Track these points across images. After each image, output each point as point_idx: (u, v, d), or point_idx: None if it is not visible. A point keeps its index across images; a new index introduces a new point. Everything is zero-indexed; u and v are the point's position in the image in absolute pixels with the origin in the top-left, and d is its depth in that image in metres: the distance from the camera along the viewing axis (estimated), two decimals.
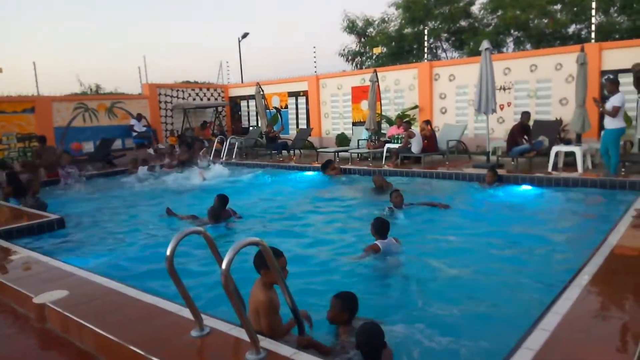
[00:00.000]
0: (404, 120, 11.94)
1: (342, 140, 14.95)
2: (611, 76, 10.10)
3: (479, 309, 3.56)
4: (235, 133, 17.25)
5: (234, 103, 18.89)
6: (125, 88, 31.14)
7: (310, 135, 14.90)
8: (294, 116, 17.03)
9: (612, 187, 7.24)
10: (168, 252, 2.62)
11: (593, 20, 11.41)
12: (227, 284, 2.32)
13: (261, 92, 15.38)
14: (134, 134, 15.51)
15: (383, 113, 13.85)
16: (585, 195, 7.13)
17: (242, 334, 2.71)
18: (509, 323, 3.25)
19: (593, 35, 11.16)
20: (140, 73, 16.92)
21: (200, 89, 18.32)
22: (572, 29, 14.78)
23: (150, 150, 14.41)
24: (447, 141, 11.01)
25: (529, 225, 5.72)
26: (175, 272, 2.65)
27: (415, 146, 10.78)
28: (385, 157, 11.67)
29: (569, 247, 4.85)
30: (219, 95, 18.75)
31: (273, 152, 14.00)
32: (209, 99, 18.42)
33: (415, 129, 11.66)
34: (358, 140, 13.20)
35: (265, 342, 2.61)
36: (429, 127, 11.16)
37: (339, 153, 12.90)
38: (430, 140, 10.99)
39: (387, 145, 11.71)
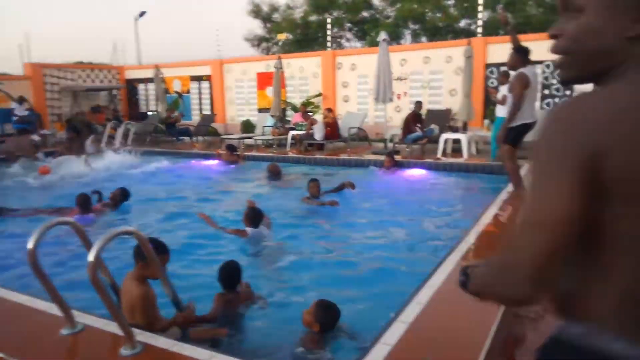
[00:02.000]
0: (306, 110, 12.08)
1: (248, 126, 14.74)
2: (502, 69, 11.03)
3: (363, 287, 3.72)
4: (132, 118, 16.26)
5: (131, 86, 17.78)
6: (5, 68, 27.91)
7: (214, 122, 14.51)
8: (197, 101, 16.45)
9: (491, 171, 7.92)
10: (30, 245, 2.40)
11: (480, 15, 12.30)
12: (95, 276, 2.18)
13: (160, 75, 14.64)
14: (15, 118, 13.97)
15: (288, 100, 13.88)
16: (468, 179, 7.75)
17: (118, 329, 2.57)
18: (391, 298, 3.43)
19: (480, 30, 12.05)
20: (23, 52, 15.28)
21: (92, 70, 16.99)
22: (462, 23, 15.87)
23: (34, 137, 13.10)
24: (348, 128, 11.32)
25: (417, 206, 6.12)
26: (39, 267, 2.44)
27: (318, 133, 10.95)
28: (290, 144, 11.73)
29: (450, 226, 5.24)
30: (114, 78, 17.53)
31: (173, 138, 13.44)
32: (102, 82, 17.14)
33: (319, 116, 11.84)
34: (263, 127, 13.11)
35: (143, 336, 2.50)
36: (331, 114, 11.39)
37: (244, 140, 12.73)
38: (332, 127, 11.22)
39: (292, 132, 11.77)
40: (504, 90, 8.35)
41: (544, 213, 0.82)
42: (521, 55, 5.42)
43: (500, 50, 11.04)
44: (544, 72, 10.58)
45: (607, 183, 0.80)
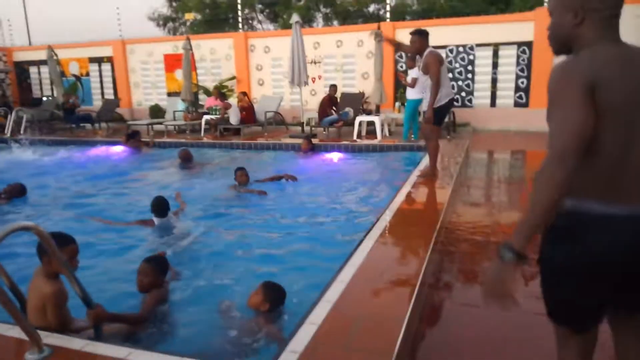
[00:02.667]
0: (220, 91, 11.73)
1: (157, 111, 14.04)
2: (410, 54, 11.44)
3: (288, 270, 3.72)
4: (24, 104, 14.77)
5: (21, 69, 16.08)
6: None
7: (118, 107, 13.62)
8: (98, 85, 15.31)
9: (404, 151, 8.27)
10: None
11: (388, 1, 12.64)
12: None
13: (55, 57, 13.39)
14: None
15: (200, 83, 13.37)
16: (383, 160, 8.02)
17: (22, 333, 2.33)
18: (318, 280, 3.47)
19: (388, 15, 12.41)
20: None
21: None
22: (372, 8, 16.23)
23: None
24: (265, 112, 11.18)
25: (337, 188, 6.19)
26: None
27: (233, 117, 10.70)
28: (204, 129, 11.36)
29: (368, 205, 5.40)
30: (0, 60, 15.73)
31: (73, 125, 12.43)
32: None
33: (233, 100, 11.57)
34: (174, 112, 12.53)
35: (51, 338, 2.30)
36: (246, 98, 11.16)
37: (154, 126, 12.09)
38: (248, 111, 11.02)
39: (205, 117, 11.39)
40: (412, 73, 8.72)
41: (570, 122, 1.33)
42: (425, 37, 5.57)
43: (408, 35, 11.48)
44: (447, 56, 11.18)
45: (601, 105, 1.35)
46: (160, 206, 4.77)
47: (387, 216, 4.28)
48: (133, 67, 14.80)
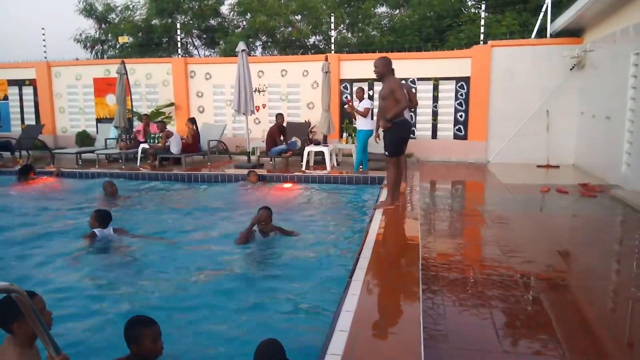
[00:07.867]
0: (157, 120, 11.15)
1: (84, 138, 13.08)
2: (352, 86, 11.60)
3: (269, 316, 3.42)
4: None
5: None
6: None
7: (41, 133, 12.50)
8: (18, 110, 14.02)
9: (356, 182, 8.22)
10: None
11: (332, 33, 12.84)
12: None
13: None
14: None
15: (134, 109, 12.66)
16: (340, 191, 7.86)
17: None
18: (310, 326, 3.21)
19: (333, 47, 12.57)
20: None
21: None
22: (312, 39, 16.39)
23: None
24: (208, 141, 10.75)
25: (300, 222, 5.92)
26: None
27: (175, 147, 10.18)
28: (141, 158, 10.69)
29: (341, 242, 5.19)
30: None
31: None
32: None
33: (173, 128, 11.04)
34: (106, 140, 11.71)
35: None
36: (193, 126, 10.67)
37: (82, 154, 11.19)
38: (193, 140, 10.55)
39: (142, 145, 10.73)
40: (365, 104, 8.86)
41: (403, 97, 5.50)
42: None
43: (351, 67, 11.71)
44: None
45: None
46: (104, 218, 4.99)
47: (366, 254, 4.10)
48: (58, 92, 13.74)
